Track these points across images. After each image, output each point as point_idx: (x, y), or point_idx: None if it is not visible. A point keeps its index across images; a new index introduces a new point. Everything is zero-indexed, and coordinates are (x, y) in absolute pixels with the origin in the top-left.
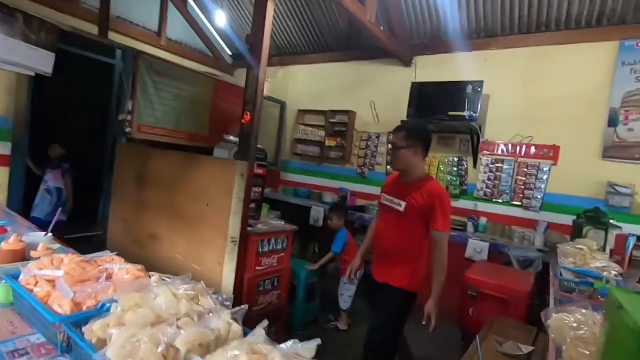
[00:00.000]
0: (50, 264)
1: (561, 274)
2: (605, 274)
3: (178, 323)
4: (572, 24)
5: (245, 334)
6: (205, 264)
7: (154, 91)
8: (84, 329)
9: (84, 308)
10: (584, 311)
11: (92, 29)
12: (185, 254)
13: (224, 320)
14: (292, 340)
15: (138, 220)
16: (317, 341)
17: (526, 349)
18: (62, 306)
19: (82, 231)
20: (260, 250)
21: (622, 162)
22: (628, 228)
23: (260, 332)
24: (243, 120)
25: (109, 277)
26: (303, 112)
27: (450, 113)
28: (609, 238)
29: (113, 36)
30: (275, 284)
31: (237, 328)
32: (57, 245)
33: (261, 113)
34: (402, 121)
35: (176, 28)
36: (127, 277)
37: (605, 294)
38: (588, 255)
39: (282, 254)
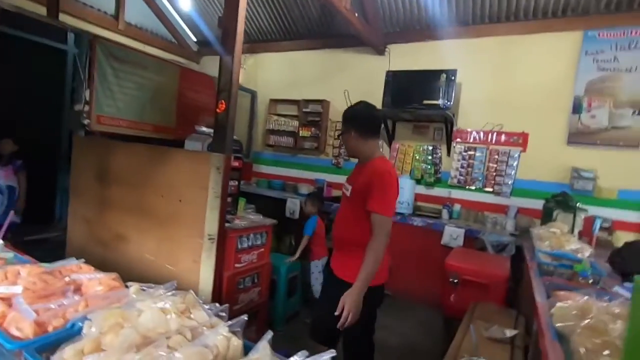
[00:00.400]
0: (3, 277)
1: (539, 257)
2: (579, 255)
3: (169, 343)
4: (540, 13)
5: (246, 348)
6: (179, 263)
7: (113, 79)
8: (52, 358)
9: (50, 330)
10: (585, 298)
11: (40, 10)
12: (156, 254)
13: (221, 335)
14: (300, 353)
15: (102, 220)
16: (332, 353)
17: (510, 332)
18: (22, 329)
19: (37, 233)
20: (239, 247)
21: (585, 148)
22: (591, 210)
23: (264, 346)
24: (217, 110)
25: (78, 290)
26: (275, 102)
27: (425, 101)
28: (577, 221)
29: (64, 18)
30: (256, 280)
31: (237, 342)
32: (11, 253)
33: (236, 102)
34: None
35: (135, 11)
36: (99, 289)
37: (585, 276)
38: (562, 238)
39: (262, 249)
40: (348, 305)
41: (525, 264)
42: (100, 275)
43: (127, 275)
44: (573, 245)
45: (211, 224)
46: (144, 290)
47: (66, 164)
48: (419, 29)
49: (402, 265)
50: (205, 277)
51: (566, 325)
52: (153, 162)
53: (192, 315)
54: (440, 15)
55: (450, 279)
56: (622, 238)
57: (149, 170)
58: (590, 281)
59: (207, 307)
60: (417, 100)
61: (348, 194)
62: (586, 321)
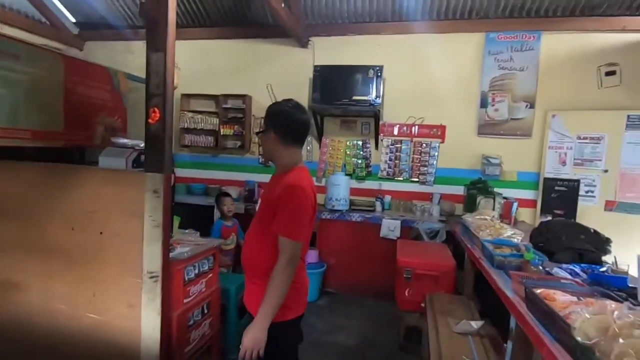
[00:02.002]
0: None
1: (489, 249)
2: (514, 240)
3: None
4: (450, 14)
5: None
6: (108, 310)
7: None
8: None
9: None
10: (574, 298)
11: None
12: (71, 302)
13: None
14: None
15: None
16: None
17: (476, 324)
18: None
19: None
20: (186, 279)
21: (492, 137)
22: (499, 191)
23: None
24: (150, 120)
25: None
26: (187, 97)
27: (355, 97)
28: (499, 204)
29: None
30: (206, 311)
31: None
32: None
33: (172, 108)
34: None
35: None
36: None
37: (536, 264)
38: (497, 225)
39: (210, 275)
40: (244, 343)
41: (469, 253)
42: None
43: (24, 332)
44: (508, 231)
45: (152, 259)
46: None
47: None
48: (341, 23)
49: (343, 262)
50: (150, 322)
51: (597, 343)
52: (54, 185)
53: None
54: (361, 10)
55: (405, 275)
56: (523, 214)
57: (50, 197)
58: (540, 267)
59: None
60: (346, 95)
61: (256, 209)
62: (624, 341)
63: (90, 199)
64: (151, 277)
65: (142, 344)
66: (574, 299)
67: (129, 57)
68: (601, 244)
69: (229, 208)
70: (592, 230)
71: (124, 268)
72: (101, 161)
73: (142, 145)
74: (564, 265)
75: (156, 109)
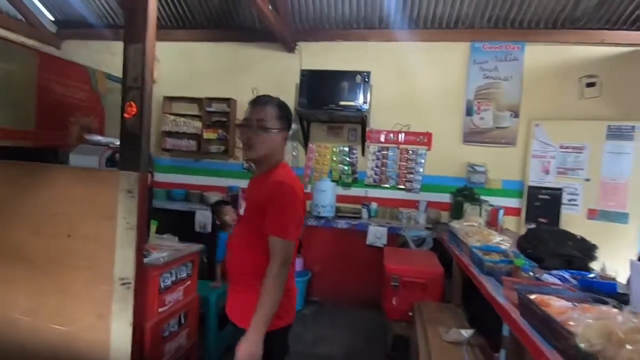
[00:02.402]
0: None
1: (478, 255)
2: (503, 246)
3: None
4: (436, 23)
5: None
6: (75, 321)
7: None
8: None
9: None
10: (568, 303)
11: None
12: (34, 312)
13: None
14: None
15: None
16: None
17: (466, 332)
18: None
19: None
20: (162, 286)
21: (477, 145)
22: (484, 199)
23: None
24: (126, 115)
25: None
26: (170, 99)
27: (342, 103)
28: (485, 211)
29: None
30: (183, 321)
31: None
32: None
33: (151, 102)
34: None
35: None
36: None
37: (527, 270)
38: (485, 232)
39: (189, 282)
40: (239, 357)
41: (457, 260)
42: None
43: None
44: (497, 238)
45: (124, 265)
46: None
47: None
48: (329, 29)
49: (328, 270)
50: (120, 334)
51: (602, 350)
52: (18, 185)
53: None
54: (349, 16)
55: (392, 283)
56: (508, 222)
57: (13, 198)
58: (531, 273)
59: None
60: (333, 101)
61: (242, 212)
62: (628, 347)
63: (58, 199)
64: (123, 284)
65: (112, 357)
66: (570, 305)
67: (108, 57)
68: (588, 250)
69: (233, 217)
70: (579, 237)
71: (93, 274)
72: (72, 159)
73: (118, 143)
74: (554, 272)
75: (132, 103)
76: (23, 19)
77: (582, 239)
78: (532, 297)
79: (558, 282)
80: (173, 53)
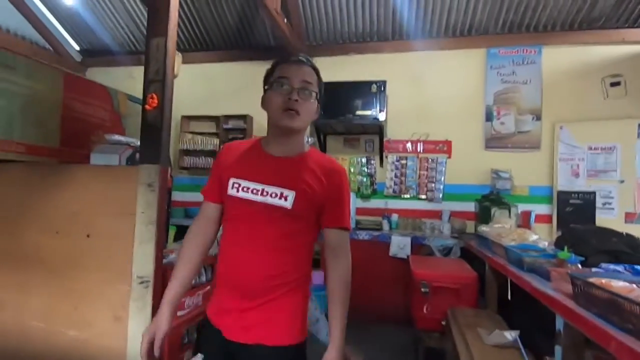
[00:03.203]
0: None
1: (516, 253)
2: (540, 245)
3: None
4: (450, 32)
5: None
6: (91, 325)
7: None
8: None
9: None
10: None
11: None
12: (48, 318)
13: None
14: None
15: None
16: None
17: (511, 335)
18: None
19: None
20: None
21: (500, 151)
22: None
23: None
24: (147, 107)
25: None
26: (188, 119)
27: (358, 112)
28: (515, 215)
29: None
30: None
31: None
32: None
33: (172, 95)
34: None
35: None
36: None
37: (574, 262)
38: (518, 231)
39: (208, 287)
40: None
41: (491, 263)
42: None
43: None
44: (533, 236)
45: (143, 262)
46: None
47: None
48: (342, 43)
49: (352, 284)
50: (138, 336)
51: None
52: (37, 186)
53: None
54: (362, 30)
55: (422, 290)
56: (538, 229)
57: (31, 198)
58: (579, 266)
59: None
60: (349, 111)
61: (288, 205)
62: None
63: (77, 198)
64: (141, 283)
65: None
66: (634, 286)
67: (129, 82)
68: (637, 246)
69: None
70: (624, 234)
71: (110, 274)
72: (93, 158)
73: (138, 143)
74: (603, 265)
75: (155, 95)
76: (51, 48)
77: (629, 235)
78: (591, 279)
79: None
80: (191, 74)
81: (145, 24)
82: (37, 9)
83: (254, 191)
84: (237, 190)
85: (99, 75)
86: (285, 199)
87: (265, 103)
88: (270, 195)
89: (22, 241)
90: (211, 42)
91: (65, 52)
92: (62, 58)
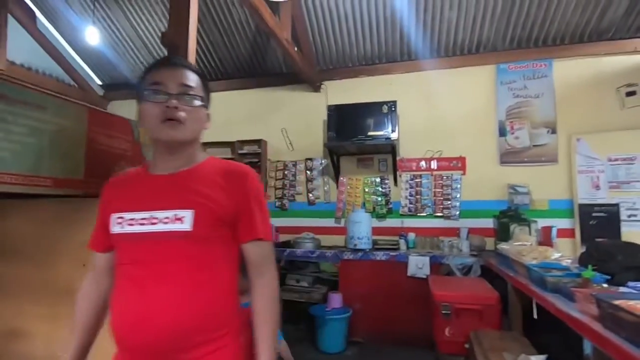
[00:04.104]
0: None
1: (538, 273)
2: (563, 263)
3: None
4: (458, 50)
5: None
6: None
7: None
8: None
9: None
10: None
11: None
12: None
13: None
14: None
15: None
16: None
17: (538, 358)
18: None
19: None
20: None
21: (515, 166)
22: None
23: None
24: None
25: None
26: (204, 145)
27: (370, 133)
28: (535, 231)
29: None
30: None
31: None
32: None
33: None
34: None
35: (20, 47)
36: None
37: (599, 282)
38: (540, 249)
39: None
40: None
41: (513, 282)
42: None
43: None
44: (555, 254)
45: None
46: None
47: None
48: (352, 66)
49: (370, 306)
50: None
51: None
52: (65, 221)
53: None
54: (371, 53)
55: (443, 312)
56: (561, 245)
57: (64, 233)
58: (605, 285)
59: None
60: (361, 132)
61: (188, 226)
62: None
63: None
64: None
65: None
66: None
67: None
68: None
69: None
70: None
71: None
72: None
73: None
74: (631, 284)
75: None
76: (75, 84)
77: None
78: (617, 302)
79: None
80: None
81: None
82: (62, 48)
83: (142, 222)
84: (122, 226)
85: (120, 108)
86: (182, 221)
87: (141, 118)
88: (162, 221)
89: (55, 275)
90: (225, 72)
91: (88, 87)
92: (86, 93)
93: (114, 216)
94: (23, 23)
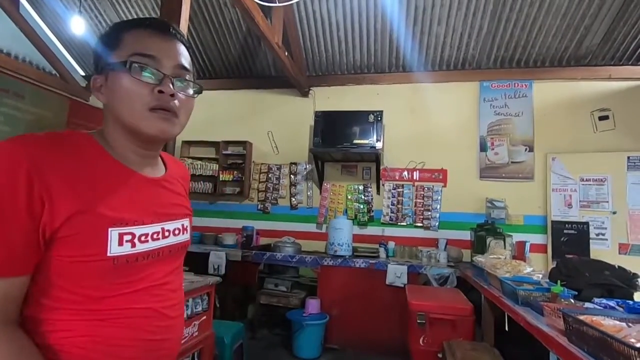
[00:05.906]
0: None
1: (510, 286)
2: (535, 277)
3: None
4: (444, 65)
5: None
6: None
7: None
8: None
9: None
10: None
11: None
12: None
13: None
14: None
15: None
16: None
17: None
18: None
19: None
20: None
21: (494, 181)
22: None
23: None
24: None
25: None
26: (188, 144)
27: (356, 141)
28: (510, 245)
29: None
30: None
31: None
32: None
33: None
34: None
35: (2, 34)
36: None
37: (567, 297)
38: (513, 262)
39: (204, 317)
40: None
41: (487, 294)
42: None
43: None
44: (527, 268)
45: None
46: None
47: None
48: (340, 74)
49: (347, 313)
50: None
51: None
52: None
53: None
54: (359, 63)
55: (418, 321)
56: (534, 259)
57: None
58: (572, 300)
59: None
60: (347, 140)
61: (187, 236)
62: None
63: None
64: None
65: None
66: (624, 324)
67: None
68: (629, 279)
69: None
70: (616, 267)
71: None
72: None
73: None
74: (596, 300)
75: None
76: (57, 74)
77: (621, 268)
78: (582, 317)
79: (599, 308)
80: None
81: None
82: (45, 36)
83: (155, 236)
84: (132, 245)
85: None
86: (186, 231)
87: (110, 90)
88: (173, 233)
89: None
90: (214, 71)
91: (70, 77)
92: (68, 84)
93: (115, 231)
94: (4, 7)
